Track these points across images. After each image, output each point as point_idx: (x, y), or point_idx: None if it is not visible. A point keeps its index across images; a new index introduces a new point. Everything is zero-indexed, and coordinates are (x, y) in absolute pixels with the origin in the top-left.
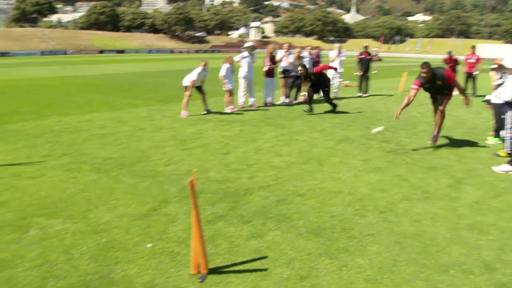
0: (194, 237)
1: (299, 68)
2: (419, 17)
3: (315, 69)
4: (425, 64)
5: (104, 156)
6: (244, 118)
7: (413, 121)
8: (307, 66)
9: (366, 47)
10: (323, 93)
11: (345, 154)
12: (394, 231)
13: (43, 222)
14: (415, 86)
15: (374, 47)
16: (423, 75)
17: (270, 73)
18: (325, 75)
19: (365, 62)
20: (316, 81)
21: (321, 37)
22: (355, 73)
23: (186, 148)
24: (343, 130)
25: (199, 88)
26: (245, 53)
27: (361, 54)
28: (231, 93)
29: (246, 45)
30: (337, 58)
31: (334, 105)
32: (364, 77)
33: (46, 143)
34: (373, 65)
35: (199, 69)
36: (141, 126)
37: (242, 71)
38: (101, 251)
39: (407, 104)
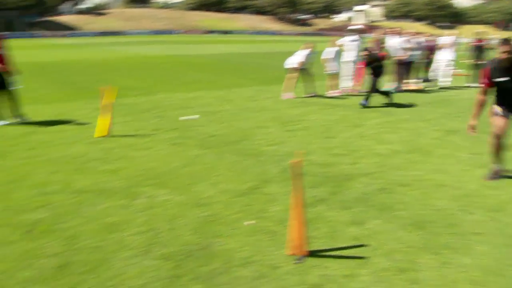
0: (295, 219)
1: (363, 52)
2: None
3: (379, 55)
4: (505, 41)
5: (209, 133)
6: (348, 103)
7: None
8: (419, 53)
9: (479, 33)
10: (373, 82)
11: (452, 146)
12: (504, 232)
13: (150, 191)
14: (485, 81)
15: (490, 34)
16: (503, 56)
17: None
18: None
19: (479, 50)
20: (378, 67)
21: (432, 22)
22: (467, 62)
23: (289, 129)
24: (452, 120)
25: (303, 71)
26: (354, 36)
27: (475, 41)
28: (335, 76)
29: (353, 27)
30: (451, 45)
31: (387, 94)
32: (478, 66)
33: (155, 117)
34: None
35: (306, 51)
36: (245, 106)
37: (350, 55)
38: (202, 223)
39: (481, 108)
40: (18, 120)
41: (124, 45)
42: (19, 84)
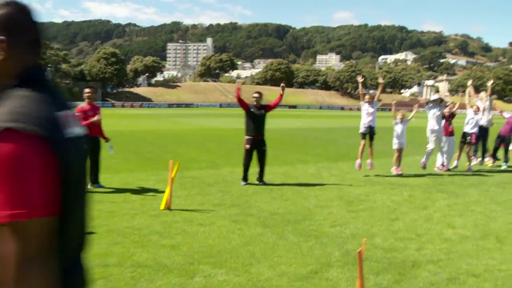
0: None
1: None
2: None
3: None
4: None
5: (271, 211)
6: (414, 183)
7: None
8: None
9: None
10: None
11: None
12: None
13: (208, 270)
14: None
15: None
16: None
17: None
18: None
19: None
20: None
21: (501, 97)
22: None
23: (353, 210)
24: None
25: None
26: (432, 105)
27: None
28: (400, 152)
29: (433, 97)
30: None
31: None
32: None
33: (218, 192)
34: None
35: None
36: (309, 183)
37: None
38: None
39: None
40: (95, 186)
41: (192, 116)
42: (113, 149)
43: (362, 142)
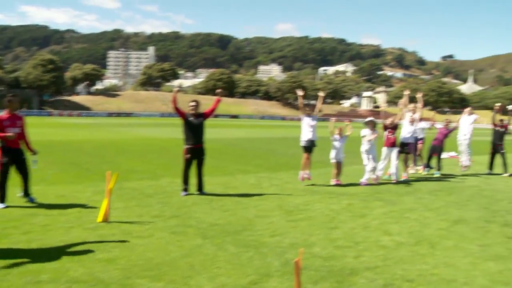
0: None
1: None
2: None
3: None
4: None
5: (210, 222)
6: (353, 191)
7: None
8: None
9: (502, 120)
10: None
11: (460, 237)
12: None
13: (146, 284)
14: None
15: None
16: None
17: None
18: None
19: (499, 134)
20: None
21: (435, 108)
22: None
23: (292, 219)
24: (459, 209)
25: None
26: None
27: (496, 125)
28: (338, 166)
29: (366, 119)
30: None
31: None
32: (499, 153)
33: (157, 203)
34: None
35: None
36: (249, 193)
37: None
38: None
39: None
40: (26, 199)
41: (132, 126)
42: (36, 164)
43: (305, 155)
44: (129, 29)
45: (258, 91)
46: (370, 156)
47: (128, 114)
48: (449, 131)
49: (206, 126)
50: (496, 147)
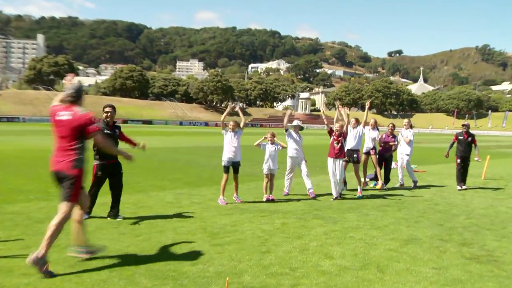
0: None
1: None
2: (506, 86)
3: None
4: None
5: (119, 250)
6: (288, 209)
7: (502, 218)
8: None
9: (466, 126)
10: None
11: (412, 259)
12: None
13: None
14: None
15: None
16: None
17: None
18: None
19: (464, 144)
20: None
21: (381, 111)
22: (447, 157)
23: (218, 243)
24: (409, 227)
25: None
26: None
27: (460, 134)
28: (270, 178)
29: (294, 123)
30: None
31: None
32: (465, 164)
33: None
34: (476, 150)
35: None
36: (166, 214)
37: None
38: None
39: None
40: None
41: (18, 134)
42: None
43: (225, 176)
44: (9, 10)
45: (176, 92)
46: (291, 163)
47: (10, 119)
48: (394, 140)
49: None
50: (464, 159)
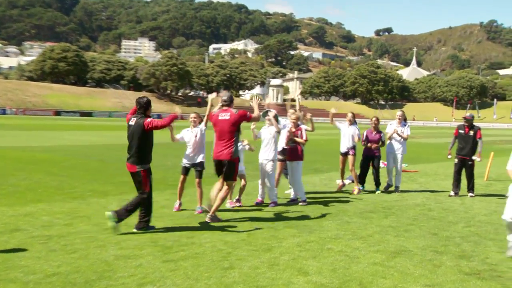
0: None
1: None
2: None
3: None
4: None
5: (47, 271)
6: (256, 216)
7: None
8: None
9: (468, 118)
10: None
11: (401, 274)
12: None
13: None
14: None
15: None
16: None
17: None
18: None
19: (466, 140)
20: None
21: (366, 101)
22: (449, 156)
23: (171, 259)
24: (398, 237)
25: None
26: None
27: (461, 127)
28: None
29: (270, 113)
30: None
31: None
32: (467, 165)
33: None
34: (479, 146)
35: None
36: (108, 225)
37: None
38: None
39: None
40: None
41: None
42: None
43: (181, 178)
44: None
45: (122, 77)
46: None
47: None
48: (380, 137)
49: (37, 128)
50: (463, 159)
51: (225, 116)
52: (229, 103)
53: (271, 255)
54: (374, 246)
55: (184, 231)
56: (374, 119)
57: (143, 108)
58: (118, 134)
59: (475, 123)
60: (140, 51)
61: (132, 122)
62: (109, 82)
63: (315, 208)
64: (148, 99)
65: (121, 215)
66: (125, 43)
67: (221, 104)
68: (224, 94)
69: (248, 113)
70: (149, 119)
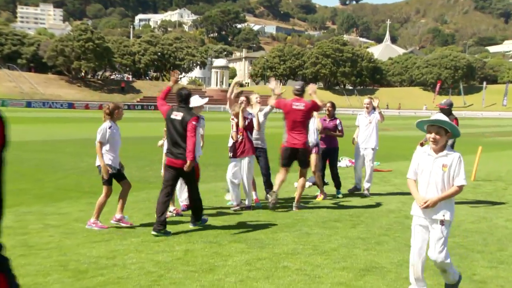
0: None
1: None
2: (510, 45)
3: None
4: None
5: None
6: (195, 229)
7: (499, 235)
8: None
9: (443, 107)
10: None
11: None
12: None
13: None
14: None
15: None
16: None
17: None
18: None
19: None
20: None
21: (330, 85)
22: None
23: (85, 286)
24: (368, 251)
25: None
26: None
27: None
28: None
29: (196, 103)
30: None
31: None
32: None
33: None
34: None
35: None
36: (9, 245)
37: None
38: None
39: None
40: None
41: None
42: None
43: (105, 189)
44: None
45: (19, 55)
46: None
47: None
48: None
49: None
50: None
51: (299, 106)
52: (301, 92)
53: (214, 277)
54: (339, 262)
55: (103, 251)
56: (328, 104)
57: (185, 101)
58: (17, 128)
59: (458, 112)
60: (43, 21)
61: (175, 116)
62: (1, 60)
63: (268, 217)
64: (189, 91)
65: (196, 217)
66: (21, 10)
67: (294, 93)
68: (297, 83)
69: (317, 103)
70: (194, 123)
